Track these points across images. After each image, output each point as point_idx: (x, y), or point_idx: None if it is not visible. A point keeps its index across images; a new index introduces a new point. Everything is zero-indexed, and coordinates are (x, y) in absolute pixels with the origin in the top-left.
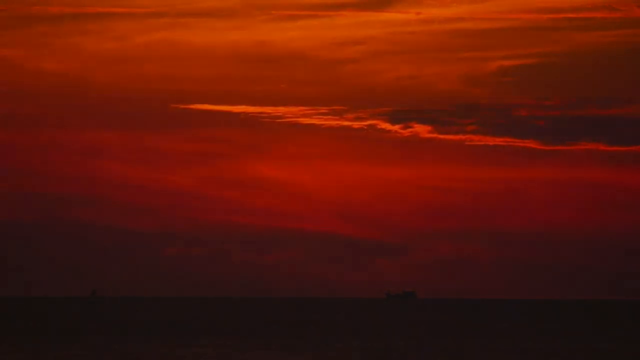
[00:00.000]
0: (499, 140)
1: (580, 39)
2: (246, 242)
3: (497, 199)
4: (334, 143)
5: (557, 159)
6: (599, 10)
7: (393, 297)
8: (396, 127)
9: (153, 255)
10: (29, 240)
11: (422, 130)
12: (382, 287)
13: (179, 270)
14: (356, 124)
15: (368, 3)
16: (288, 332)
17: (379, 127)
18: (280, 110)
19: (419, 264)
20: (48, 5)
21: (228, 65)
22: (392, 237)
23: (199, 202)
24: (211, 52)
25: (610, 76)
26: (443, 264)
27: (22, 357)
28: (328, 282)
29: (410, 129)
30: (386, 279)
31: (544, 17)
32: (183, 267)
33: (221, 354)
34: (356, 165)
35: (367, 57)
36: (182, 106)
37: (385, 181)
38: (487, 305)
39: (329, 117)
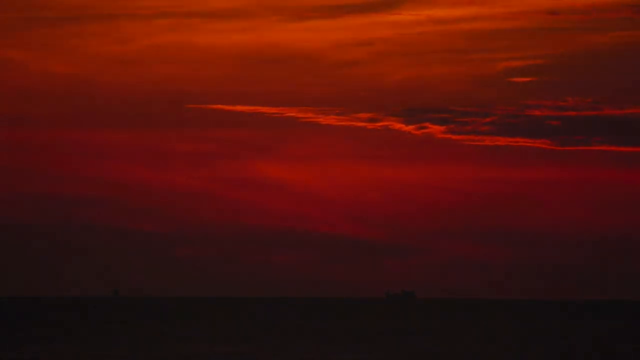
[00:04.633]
0: (513, 141)
1: (595, 40)
2: (256, 242)
3: (510, 200)
4: (348, 144)
5: (571, 160)
6: (614, 11)
7: (392, 297)
8: (410, 128)
9: (164, 255)
10: (40, 242)
11: (436, 130)
12: (386, 287)
13: (190, 270)
14: (370, 125)
15: (377, 4)
16: (290, 332)
17: (393, 127)
18: (294, 110)
19: (427, 264)
20: (53, 7)
21: (239, 66)
22: (404, 239)
23: (210, 202)
24: (220, 53)
25: (625, 76)
26: (452, 264)
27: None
28: (328, 282)
29: (424, 130)
30: (392, 279)
31: (558, 17)
32: (194, 268)
33: (226, 355)
34: (370, 166)
35: (379, 58)
36: (193, 106)
37: (399, 182)
38: (496, 305)
39: (342, 117)
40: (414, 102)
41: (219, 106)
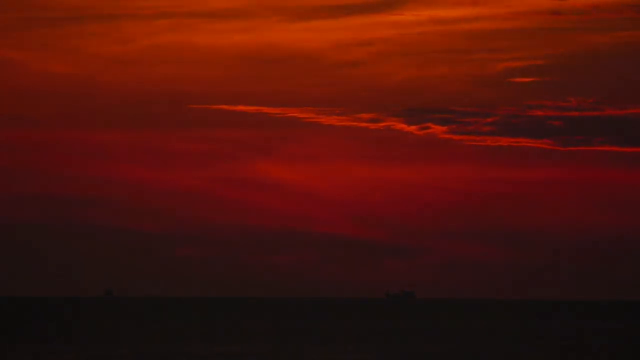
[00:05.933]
0: (514, 141)
1: (596, 40)
2: (256, 242)
3: (511, 200)
4: (349, 144)
5: (572, 160)
6: (615, 11)
7: (392, 297)
8: (412, 128)
9: (164, 255)
10: (40, 242)
11: (438, 131)
12: (386, 287)
13: (190, 270)
14: (372, 125)
15: (378, 4)
16: (290, 332)
17: (394, 128)
18: (295, 110)
19: (427, 264)
20: (54, 8)
21: (239, 66)
22: (404, 239)
23: (210, 202)
24: (221, 53)
25: (627, 77)
26: (452, 264)
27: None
28: (328, 282)
29: (426, 130)
30: (392, 279)
31: (559, 18)
32: (194, 268)
33: (226, 355)
34: (372, 166)
35: (380, 58)
36: (194, 106)
37: (401, 183)
38: (501, 306)
39: (344, 117)
40: (415, 102)
41: (220, 106)
